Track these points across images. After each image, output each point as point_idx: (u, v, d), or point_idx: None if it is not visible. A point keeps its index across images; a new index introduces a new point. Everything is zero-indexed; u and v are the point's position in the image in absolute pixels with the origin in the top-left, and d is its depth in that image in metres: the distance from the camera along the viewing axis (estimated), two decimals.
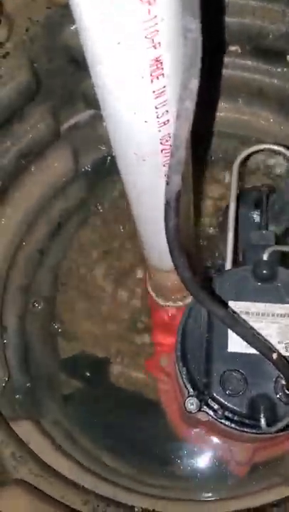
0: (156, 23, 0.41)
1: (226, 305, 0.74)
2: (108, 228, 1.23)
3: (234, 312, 0.74)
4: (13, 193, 1.02)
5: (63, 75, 0.96)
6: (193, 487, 1.03)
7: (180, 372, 0.80)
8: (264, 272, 0.77)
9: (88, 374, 1.16)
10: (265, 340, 0.72)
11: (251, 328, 0.72)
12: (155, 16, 0.40)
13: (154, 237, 0.79)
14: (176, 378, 0.90)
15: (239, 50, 0.97)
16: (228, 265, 0.83)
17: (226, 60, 0.99)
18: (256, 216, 0.90)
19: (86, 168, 1.17)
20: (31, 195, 1.04)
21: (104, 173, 1.18)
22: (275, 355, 0.63)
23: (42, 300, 1.17)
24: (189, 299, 1.01)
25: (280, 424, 0.68)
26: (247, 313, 0.76)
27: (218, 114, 1.09)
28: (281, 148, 0.88)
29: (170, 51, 0.45)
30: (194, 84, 0.46)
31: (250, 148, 0.87)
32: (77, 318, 1.19)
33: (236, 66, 0.99)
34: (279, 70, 0.93)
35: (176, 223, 0.53)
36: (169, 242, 0.54)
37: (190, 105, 0.46)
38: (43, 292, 1.18)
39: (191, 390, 0.78)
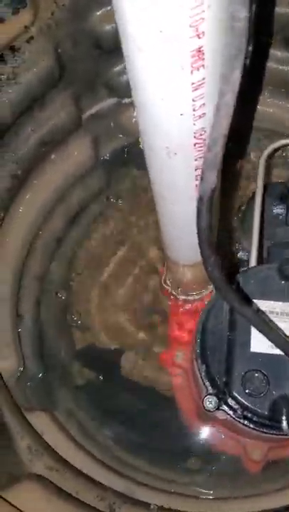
0: (203, 11, 0.39)
1: (252, 305, 0.72)
2: (125, 219, 1.22)
3: (260, 311, 0.72)
4: (33, 181, 1.00)
5: (87, 62, 0.94)
6: (207, 483, 1.03)
7: (199, 369, 0.79)
8: None
9: (102, 365, 1.15)
10: None
11: (278, 329, 0.70)
12: (202, 3, 0.38)
13: (178, 232, 0.77)
14: (193, 375, 0.89)
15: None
16: (253, 262, 0.81)
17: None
18: (282, 211, 0.88)
19: (105, 157, 1.15)
20: (51, 183, 1.02)
21: (121, 163, 1.16)
22: None
23: (58, 289, 1.16)
24: (206, 292, 1.00)
25: None
26: (271, 312, 0.75)
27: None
28: None
29: (213, 41, 0.43)
30: (237, 76, 0.44)
31: (276, 143, 0.84)
32: (92, 309, 1.17)
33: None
34: None
35: (209, 222, 0.51)
36: (200, 242, 0.53)
37: (231, 99, 0.44)
38: (58, 282, 1.17)
39: (210, 388, 0.77)
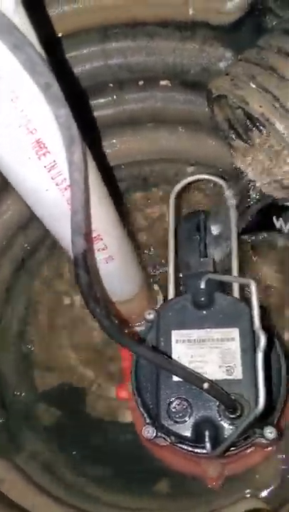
0: (26, 115, 0.45)
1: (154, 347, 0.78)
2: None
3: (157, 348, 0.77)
4: None
5: None
6: (175, 505, 1.07)
7: (136, 401, 0.84)
8: (202, 299, 0.81)
9: (66, 403, 1.20)
10: (195, 371, 0.75)
11: (177, 362, 0.75)
12: (22, 110, 0.45)
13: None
14: None
15: (169, 84, 1.01)
16: (171, 295, 0.87)
17: (160, 94, 1.04)
18: (197, 241, 0.93)
19: None
20: None
21: None
22: (206, 385, 0.67)
23: (14, 333, 1.21)
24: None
25: (223, 446, 0.72)
26: (189, 341, 0.80)
27: (161, 142, 1.14)
28: (213, 177, 0.92)
29: (49, 133, 0.49)
30: (78, 158, 0.50)
31: (183, 181, 0.91)
32: (51, 349, 1.23)
33: (169, 99, 1.03)
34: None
35: (89, 280, 0.57)
36: (84, 297, 0.58)
37: (79, 177, 0.51)
38: (14, 325, 1.22)
39: (148, 418, 0.82)
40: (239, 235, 0.90)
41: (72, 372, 1.20)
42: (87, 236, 0.53)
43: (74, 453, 1.13)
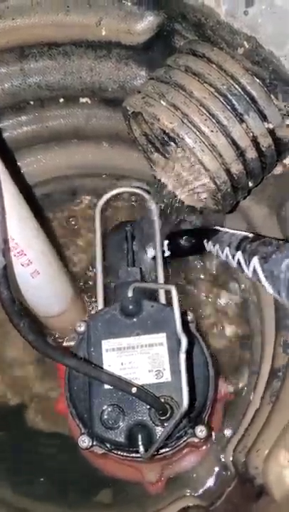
0: None
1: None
2: None
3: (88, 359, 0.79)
4: None
5: None
6: None
7: (70, 412, 0.85)
8: (130, 307, 0.84)
9: (5, 422, 1.19)
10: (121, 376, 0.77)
11: (105, 370, 0.77)
12: None
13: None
14: None
15: (89, 101, 1.04)
16: (100, 305, 0.89)
17: (80, 111, 1.06)
18: (125, 252, 0.96)
19: None
20: None
21: None
22: (134, 389, 0.70)
23: None
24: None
25: (154, 446, 0.74)
26: (119, 349, 0.82)
27: (87, 156, 1.16)
28: (135, 190, 0.95)
29: None
30: None
31: (107, 194, 0.94)
32: None
33: (90, 115, 1.06)
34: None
35: (10, 296, 0.58)
36: (7, 313, 0.60)
37: None
38: None
39: (82, 428, 0.83)
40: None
41: (9, 390, 1.20)
42: (5, 252, 0.55)
43: (13, 469, 1.12)
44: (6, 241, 0.59)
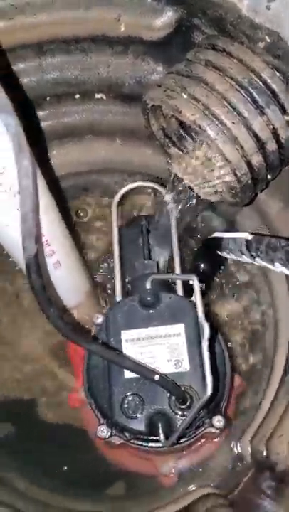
0: None
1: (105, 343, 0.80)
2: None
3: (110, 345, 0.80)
4: None
5: None
6: (131, 504, 1.09)
7: (89, 403, 0.86)
8: (148, 299, 0.85)
9: (17, 417, 1.19)
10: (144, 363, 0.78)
11: (129, 357, 0.78)
12: None
13: None
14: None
15: (104, 97, 1.05)
16: (118, 297, 0.90)
17: (96, 107, 1.08)
18: (141, 245, 0.98)
19: None
20: None
21: None
22: (156, 377, 0.71)
23: None
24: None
25: (175, 435, 0.75)
26: (138, 339, 0.84)
27: (100, 153, 1.18)
28: (151, 184, 0.96)
29: None
30: (26, 164, 0.53)
31: (123, 189, 0.95)
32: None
33: (105, 111, 1.07)
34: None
35: (41, 283, 0.59)
36: (38, 300, 0.60)
37: (27, 182, 0.54)
38: None
39: (101, 418, 0.84)
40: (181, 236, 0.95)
41: (20, 385, 1.20)
42: (38, 240, 0.56)
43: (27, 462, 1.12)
44: (38, 226, 0.60)
